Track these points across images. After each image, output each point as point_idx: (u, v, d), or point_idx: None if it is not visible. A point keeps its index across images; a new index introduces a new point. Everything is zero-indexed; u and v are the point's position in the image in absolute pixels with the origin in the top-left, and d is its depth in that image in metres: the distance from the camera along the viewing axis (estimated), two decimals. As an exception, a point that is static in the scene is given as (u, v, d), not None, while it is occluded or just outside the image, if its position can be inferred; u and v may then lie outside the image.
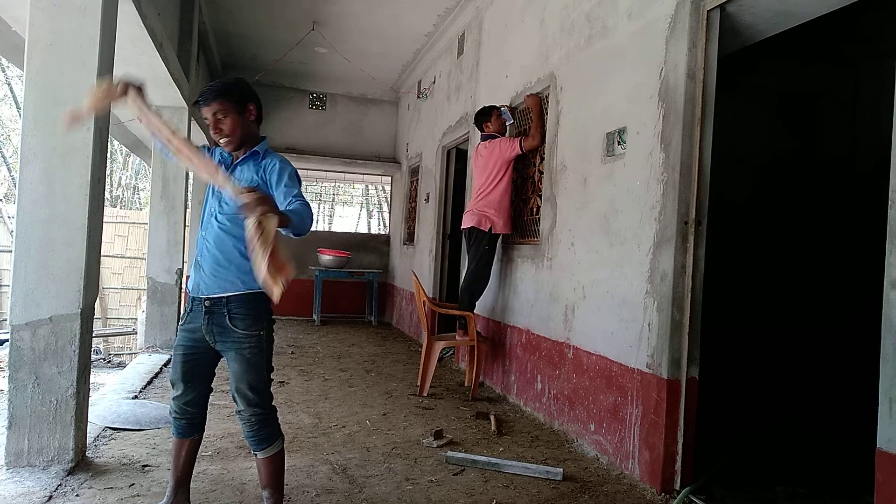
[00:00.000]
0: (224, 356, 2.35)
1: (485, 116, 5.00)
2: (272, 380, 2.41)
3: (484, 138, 4.97)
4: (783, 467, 3.42)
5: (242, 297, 2.28)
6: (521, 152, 4.67)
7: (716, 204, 3.10)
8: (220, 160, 2.38)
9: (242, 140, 2.35)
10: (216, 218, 2.33)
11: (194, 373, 2.38)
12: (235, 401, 2.33)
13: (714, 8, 2.96)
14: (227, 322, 2.27)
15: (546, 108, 4.58)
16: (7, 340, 3.09)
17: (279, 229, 1.92)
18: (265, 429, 2.33)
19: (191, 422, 2.43)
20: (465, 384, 5.10)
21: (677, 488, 2.98)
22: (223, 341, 2.30)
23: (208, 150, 2.46)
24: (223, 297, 2.28)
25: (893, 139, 2.05)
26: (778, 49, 4.34)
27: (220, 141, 2.34)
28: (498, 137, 4.86)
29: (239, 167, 2.35)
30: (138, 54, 4.36)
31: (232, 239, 2.29)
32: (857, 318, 5.13)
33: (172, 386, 2.42)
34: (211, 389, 2.49)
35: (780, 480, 3.18)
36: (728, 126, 3.57)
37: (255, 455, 2.36)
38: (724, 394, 4.46)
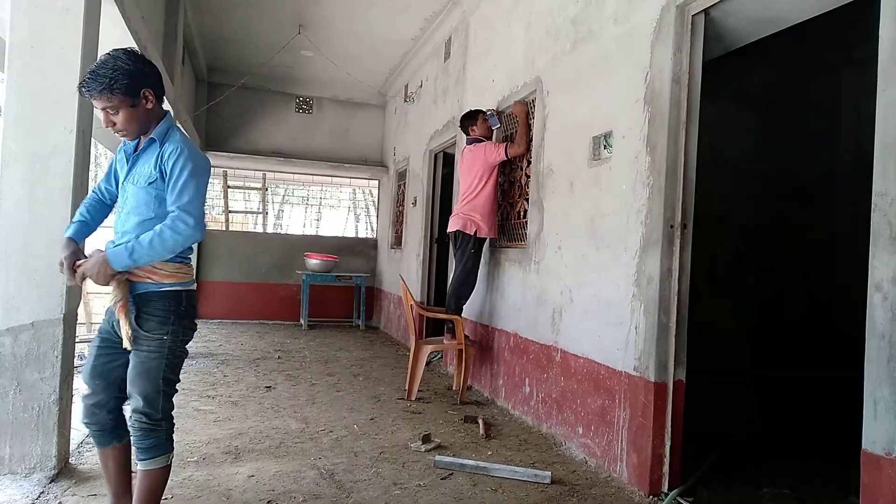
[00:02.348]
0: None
1: (470, 120, 5.00)
2: (175, 391, 2.21)
3: (469, 142, 4.98)
4: (770, 469, 3.44)
5: (153, 294, 2.12)
6: (505, 158, 4.69)
7: (700, 207, 3.12)
8: (128, 149, 2.23)
9: (141, 130, 2.15)
10: (128, 214, 2.17)
11: (105, 371, 2.18)
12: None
13: (699, 13, 2.98)
14: (133, 320, 2.09)
15: (532, 114, 4.60)
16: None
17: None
18: (148, 439, 2.12)
19: (102, 428, 2.21)
20: (453, 388, 5.09)
21: (665, 490, 2.99)
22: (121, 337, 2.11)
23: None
24: (134, 296, 2.11)
25: (876, 145, 2.08)
26: (761, 54, 4.38)
27: (116, 134, 2.15)
28: (483, 141, 4.87)
29: (140, 161, 2.17)
30: (122, 57, 4.32)
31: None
32: (841, 319, 5.18)
33: (84, 384, 2.22)
34: (124, 394, 2.23)
35: (766, 482, 3.21)
36: (712, 130, 3.60)
37: (136, 464, 2.16)
38: (712, 396, 4.48)
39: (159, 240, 2.03)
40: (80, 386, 2.29)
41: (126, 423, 2.22)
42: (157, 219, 2.11)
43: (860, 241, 2.53)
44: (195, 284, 2.28)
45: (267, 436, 3.68)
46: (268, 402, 4.50)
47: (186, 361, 5.71)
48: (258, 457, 3.32)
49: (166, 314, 2.12)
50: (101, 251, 2.08)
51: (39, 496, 2.67)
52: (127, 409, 2.20)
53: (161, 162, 2.11)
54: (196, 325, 2.29)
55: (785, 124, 5.56)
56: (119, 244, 2.07)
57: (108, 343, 2.17)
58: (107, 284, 2.05)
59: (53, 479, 2.84)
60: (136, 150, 2.20)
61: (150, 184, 2.12)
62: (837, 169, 5.82)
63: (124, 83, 2.03)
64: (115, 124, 2.09)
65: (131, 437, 2.14)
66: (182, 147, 2.13)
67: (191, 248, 2.21)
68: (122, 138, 2.19)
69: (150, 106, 2.13)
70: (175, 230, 2.05)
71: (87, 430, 2.25)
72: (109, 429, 2.22)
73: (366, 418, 4.19)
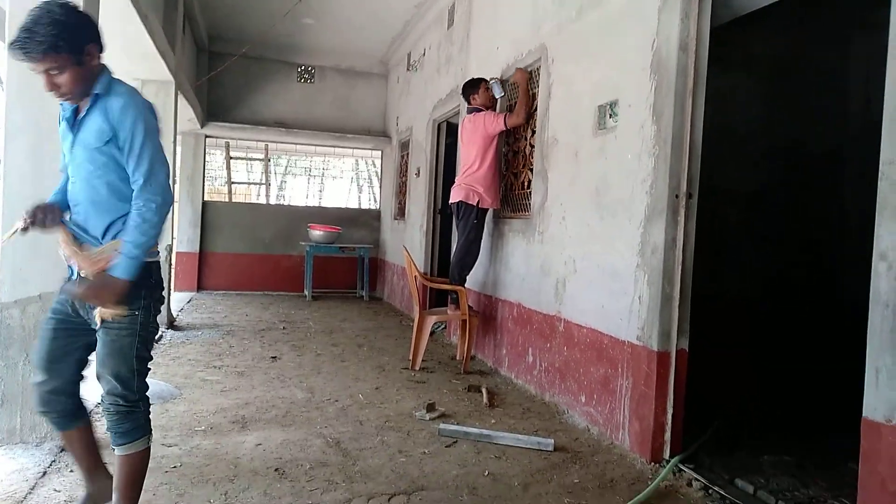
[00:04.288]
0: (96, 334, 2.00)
1: (472, 89, 4.94)
2: (148, 370, 2.07)
3: (469, 111, 4.94)
4: (770, 437, 3.47)
5: None
6: (504, 128, 4.65)
7: (706, 177, 3.10)
8: (68, 116, 2.01)
9: (86, 91, 1.93)
10: (84, 181, 1.98)
11: (64, 354, 2.02)
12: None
13: (707, -22, 2.93)
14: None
15: (536, 82, 4.54)
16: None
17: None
18: (125, 423, 1.99)
19: (63, 414, 2.06)
20: (457, 358, 5.14)
21: (666, 457, 3.03)
22: (94, 318, 1.97)
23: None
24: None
25: (885, 113, 2.05)
26: (769, 20, 4.31)
27: (59, 98, 1.94)
28: (483, 111, 4.82)
29: (86, 121, 1.95)
30: (123, 26, 4.27)
31: (106, 201, 1.97)
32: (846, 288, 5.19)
33: (36, 370, 2.03)
34: (82, 377, 2.11)
35: (767, 450, 3.24)
36: (718, 99, 3.55)
37: (113, 450, 2.02)
38: (714, 364, 4.51)
39: (147, 225, 1.91)
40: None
41: (84, 404, 2.12)
42: (114, 182, 1.96)
43: (868, 211, 2.51)
44: (160, 255, 2.13)
45: (273, 405, 3.73)
46: (273, 372, 4.55)
47: (192, 332, 5.79)
48: (265, 426, 3.36)
49: (137, 288, 1.95)
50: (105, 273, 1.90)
51: (51, 465, 2.72)
52: (85, 393, 2.09)
53: (110, 117, 1.91)
54: (164, 297, 2.15)
55: (792, 93, 5.49)
56: (115, 259, 1.91)
57: (66, 325, 2.02)
58: (118, 300, 1.90)
59: (64, 449, 2.88)
60: (77, 114, 1.99)
61: (105, 143, 1.92)
62: (846, 138, 5.76)
63: (68, 40, 1.82)
64: (59, 87, 1.88)
65: (106, 423, 2.00)
66: (129, 101, 1.94)
67: None
68: (65, 102, 1.98)
69: (94, 62, 1.94)
70: (154, 208, 1.92)
71: (46, 416, 2.12)
72: (70, 413, 2.09)
73: (371, 388, 4.23)
